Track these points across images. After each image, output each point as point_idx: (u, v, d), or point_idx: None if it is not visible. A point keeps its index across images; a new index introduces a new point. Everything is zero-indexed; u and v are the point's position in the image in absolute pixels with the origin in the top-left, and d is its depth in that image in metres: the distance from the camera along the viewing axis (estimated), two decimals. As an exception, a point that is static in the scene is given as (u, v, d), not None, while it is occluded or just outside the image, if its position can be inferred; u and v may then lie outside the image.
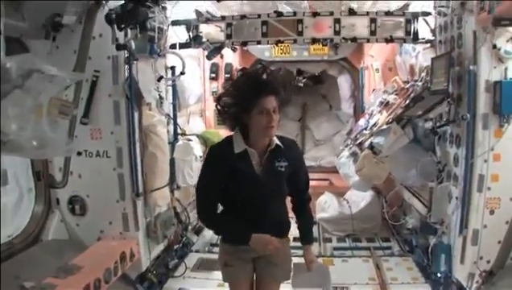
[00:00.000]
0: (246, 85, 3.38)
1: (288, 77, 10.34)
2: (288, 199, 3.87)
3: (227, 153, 3.44)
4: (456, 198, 4.97)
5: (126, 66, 4.88)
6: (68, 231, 5.24)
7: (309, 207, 3.95)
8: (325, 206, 8.04)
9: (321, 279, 3.79)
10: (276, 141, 3.47)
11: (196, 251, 6.40)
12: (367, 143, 6.16)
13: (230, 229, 3.60)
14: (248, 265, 3.74)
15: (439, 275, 5.28)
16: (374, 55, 8.46)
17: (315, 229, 7.92)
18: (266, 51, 8.88)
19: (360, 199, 7.87)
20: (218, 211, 3.64)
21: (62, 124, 4.06)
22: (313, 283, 3.63)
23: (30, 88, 3.58)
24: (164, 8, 5.38)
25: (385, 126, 5.88)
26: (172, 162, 5.94)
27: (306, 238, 3.91)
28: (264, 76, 3.42)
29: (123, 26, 4.52)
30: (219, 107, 3.54)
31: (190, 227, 6.73)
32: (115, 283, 4.65)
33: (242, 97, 3.36)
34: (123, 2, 4.57)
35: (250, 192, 3.47)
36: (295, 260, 6.27)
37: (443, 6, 5.15)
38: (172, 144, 6.07)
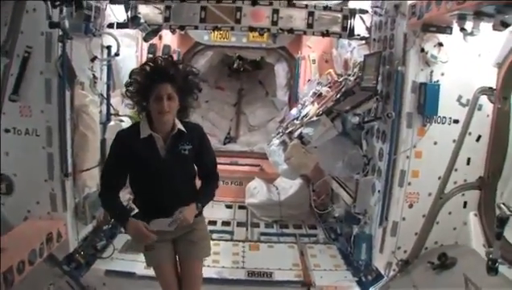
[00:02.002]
0: (145, 73, 3.53)
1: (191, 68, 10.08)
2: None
3: (132, 138, 3.57)
4: (379, 191, 5.21)
5: (60, 44, 4.74)
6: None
7: (214, 185, 3.99)
8: (254, 192, 8.18)
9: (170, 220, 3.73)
10: (179, 126, 3.62)
11: (125, 232, 6.32)
12: (297, 133, 6.27)
13: (113, 212, 3.82)
14: (168, 246, 3.83)
15: (360, 262, 5.53)
16: (312, 47, 8.60)
17: (243, 213, 8.17)
18: (205, 35, 8.81)
19: (289, 186, 8.04)
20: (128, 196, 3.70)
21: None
22: (162, 224, 3.66)
23: None
24: (103, -14, 5.24)
25: (315, 118, 6.02)
26: (104, 142, 5.83)
27: (196, 197, 3.81)
28: (161, 65, 3.55)
29: (58, 3, 4.36)
30: (128, 93, 3.67)
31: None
32: (41, 264, 4.57)
33: (141, 84, 3.53)
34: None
35: (157, 175, 3.60)
36: (222, 244, 6.44)
37: (378, 7, 5.32)
38: (104, 125, 5.96)
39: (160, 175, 3.60)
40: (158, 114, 3.48)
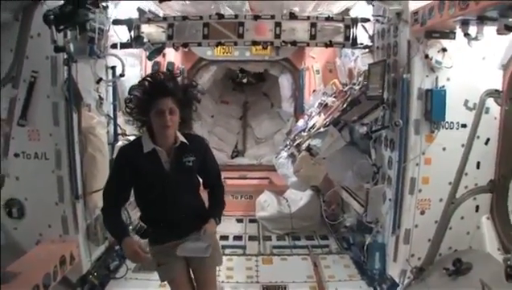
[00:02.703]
0: (144, 88, 3.53)
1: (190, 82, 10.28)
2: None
3: (135, 153, 3.57)
4: (390, 199, 5.18)
5: (65, 67, 4.79)
6: (4, 236, 5.09)
7: (222, 194, 4.05)
8: (265, 205, 8.17)
9: (204, 245, 3.72)
10: (181, 138, 3.63)
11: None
12: (305, 145, 6.27)
13: (112, 230, 3.71)
14: (181, 259, 3.81)
15: (374, 271, 5.50)
16: (315, 57, 8.61)
17: (254, 227, 8.15)
18: (208, 51, 8.87)
19: (299, 198, 8.02)
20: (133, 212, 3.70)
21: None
22: (196, 250, 3.65)
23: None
24: (106, 8, 5.28)
25: (322, 129, 6.02)
26: (112, 163, 5.81)
27: (211, 212, 3.89)
28: (160, 79, 3.55)
29: (62, 27, 4.41)
30: (128, 109, 3.66)
31: (131, 227, 6.64)
32: (55, 287, 4.57)
33: (142, 99, 3.52)
34: (62, 2, 4.46)
35: (162, 189, 3.60)
36: (235, 259, 6.42)
37: (380, 16, 5.32)
38: (112, 145, 5.97)
39: (166, 188, 3.60)
40: (160, 129, 3.49)
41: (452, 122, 4.86)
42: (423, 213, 5.01)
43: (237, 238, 7.63)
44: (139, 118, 3.62)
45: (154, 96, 3.46)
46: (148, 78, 3.62)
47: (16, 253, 4.79)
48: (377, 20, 5.54)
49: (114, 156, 5.80)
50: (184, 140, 3.64)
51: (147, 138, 3.58)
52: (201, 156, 3.77)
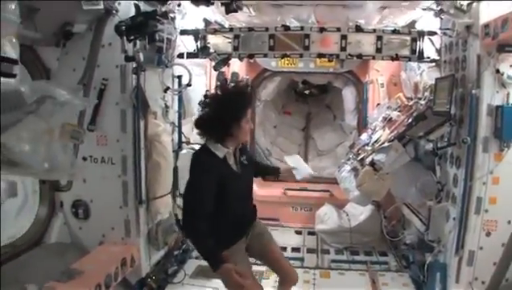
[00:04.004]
0: (240, 98, 3.76)
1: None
2: None
3: (214, 159, 3.72)
4: (454, 218, 5.01)
5: (134, 75, 4.95)
6: (70, 234, 5.31)
7: None
8: (325, 218, 8.07)
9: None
10: None
11: (196, 258, 6.44)
12: (368, 160, 6.18)
13: (209, 253, 3.55)
14: (246, 257, 4.08)
15: (434, 293, 5.31)
16: (380, 70, 8.43)
17: (313, 240, 8.09)
18: (272, 62, 8.87)
19: (359, 212, 7.87)
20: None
21: (69, 146, 4.18)
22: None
23: (43, 113, 3.70)
24: (173, 19, 5.42)
25: (386, 144, 5.91)
26: (176, 170, 5.95)
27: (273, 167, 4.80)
28: (247, 90, 3.85)
29: (132, 38, 4.60)
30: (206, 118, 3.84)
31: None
32: (115, 287, 4.71)
33: (236, 109, 3.71)
34: (133, 14, 4.69)
35: (237, 188, 3.82)
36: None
37: (448, 29, 5.18)
38: (176, 153, 6.10)
39: (238, 187, 3.86)
40: (246, 135, 3.90)
41: (523, 141, 4.65)
42: (488, 234, 4.81)
43: (295, 249, 7.59)
44: (225, 126, 3.72)
45: (247, 105, 3.78)
46: (240, 90, 3.87)
47: (80, 252, 5.00)
48: (445, 33, 5.38)
49: (178, 164, 5.95)
50: None
51: (217, 143, 3.75)
52: (248, 155, 4.10)
